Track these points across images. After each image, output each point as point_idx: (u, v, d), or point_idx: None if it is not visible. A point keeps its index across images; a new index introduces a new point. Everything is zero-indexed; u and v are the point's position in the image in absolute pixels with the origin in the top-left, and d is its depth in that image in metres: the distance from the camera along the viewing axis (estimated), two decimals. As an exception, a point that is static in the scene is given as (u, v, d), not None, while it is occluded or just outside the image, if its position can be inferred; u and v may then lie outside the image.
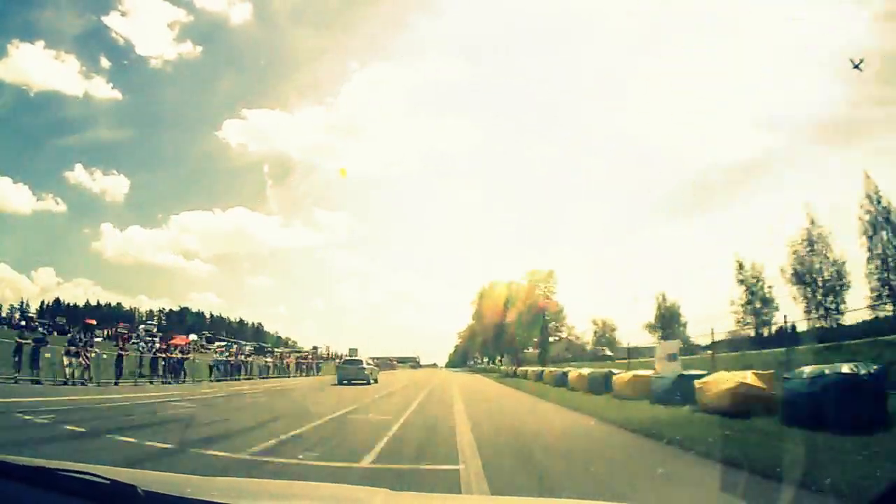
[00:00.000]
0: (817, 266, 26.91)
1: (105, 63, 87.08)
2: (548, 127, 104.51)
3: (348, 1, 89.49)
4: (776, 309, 29.69)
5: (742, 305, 30.56)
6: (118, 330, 31.09)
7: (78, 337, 17.10)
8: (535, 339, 50.53)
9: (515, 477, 5.08)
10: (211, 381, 22.91)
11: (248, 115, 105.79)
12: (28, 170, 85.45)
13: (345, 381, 25.95)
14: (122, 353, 19.06)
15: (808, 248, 27.16)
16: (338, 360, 48.23)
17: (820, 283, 26.76)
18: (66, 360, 16.07)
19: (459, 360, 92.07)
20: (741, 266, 31.00)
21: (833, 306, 26.40)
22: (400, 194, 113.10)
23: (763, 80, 62.17)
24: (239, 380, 25.37)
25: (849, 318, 26.02)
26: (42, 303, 61.28)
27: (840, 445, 5.38)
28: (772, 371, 9.11)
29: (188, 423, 8.85)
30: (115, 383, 17.54)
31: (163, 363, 20.64)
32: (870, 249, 25.67)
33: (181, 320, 68.20)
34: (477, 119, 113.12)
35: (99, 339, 22.42)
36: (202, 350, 25.04)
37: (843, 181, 60.75)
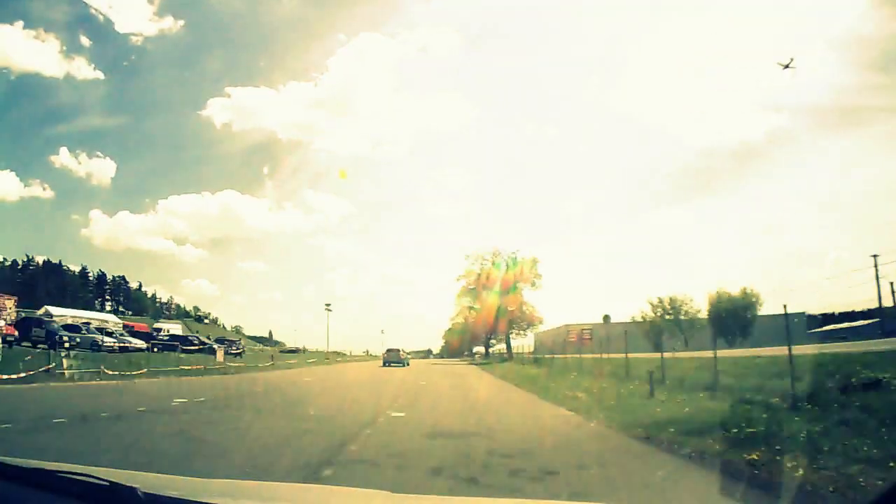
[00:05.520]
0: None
1: (85, 42, 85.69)
2: (545, 104, 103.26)
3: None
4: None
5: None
6: None
7: None
8: None
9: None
10: None
11: (233, 93, 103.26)
12: (12, 155, 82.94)
13: (387, 364, 36.89)
14: None
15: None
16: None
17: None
18: None
19: (459, 347, 79.52)
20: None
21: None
22: (392, 173, 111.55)
23: (766, 61, 62.02)
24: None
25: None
26: None
27: None
28: None
29: None
30: None
31: None
32: None
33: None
34: (471, 94, 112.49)
35: None
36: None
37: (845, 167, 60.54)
